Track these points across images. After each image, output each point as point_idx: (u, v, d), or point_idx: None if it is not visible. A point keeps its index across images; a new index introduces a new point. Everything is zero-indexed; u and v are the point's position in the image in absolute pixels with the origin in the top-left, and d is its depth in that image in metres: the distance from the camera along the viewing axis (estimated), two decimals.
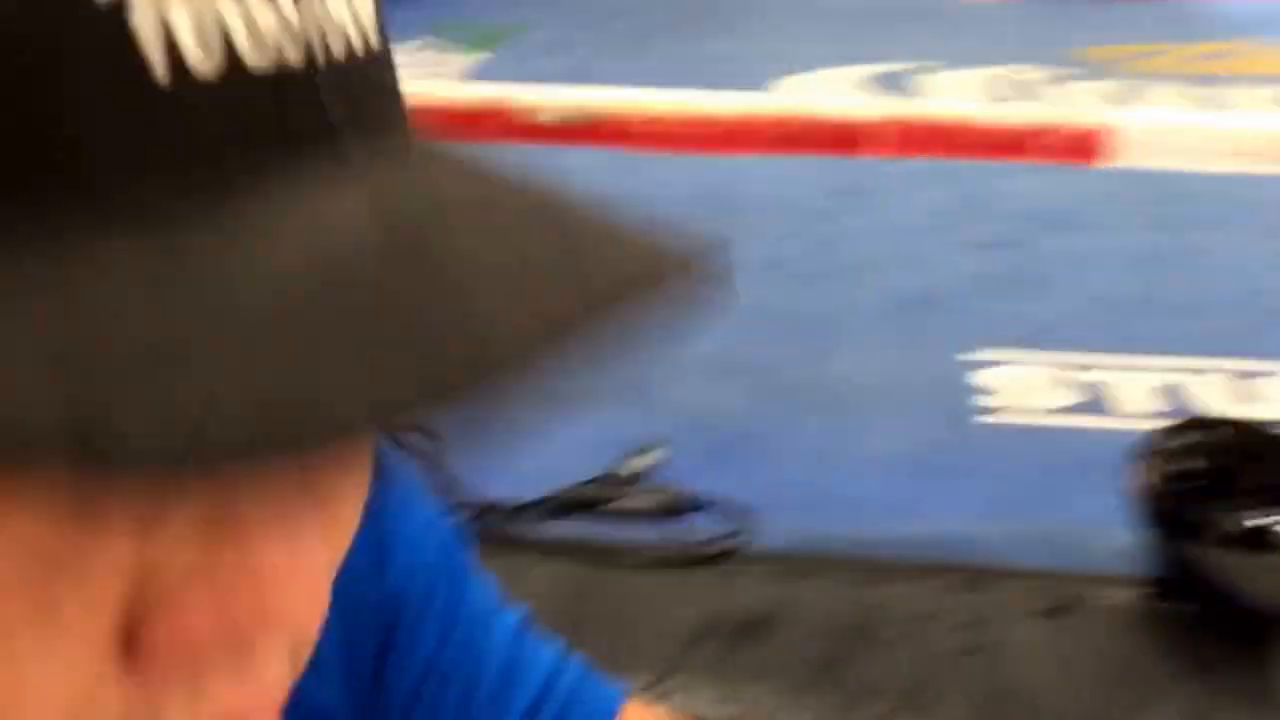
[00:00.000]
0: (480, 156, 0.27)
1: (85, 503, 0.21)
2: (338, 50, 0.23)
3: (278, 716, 0.26)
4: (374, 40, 0.25)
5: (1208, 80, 4.95)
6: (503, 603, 0.51)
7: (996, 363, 2.91)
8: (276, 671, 0.25)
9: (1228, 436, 1.14)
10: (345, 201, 0.22)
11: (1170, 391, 2.78)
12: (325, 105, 0.23)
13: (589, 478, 1.35)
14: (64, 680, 0.22)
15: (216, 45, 0.21)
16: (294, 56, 0.22)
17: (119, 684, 0.23)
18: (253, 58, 0.21)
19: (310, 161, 0.22)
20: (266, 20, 0.21)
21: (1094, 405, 2.75)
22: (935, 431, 2.63)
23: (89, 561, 0.22)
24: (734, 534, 1.23)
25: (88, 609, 0.22)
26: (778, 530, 1.25)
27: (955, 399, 2.77)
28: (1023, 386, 2.82)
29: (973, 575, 1.16)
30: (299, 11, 0.22)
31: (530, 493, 1.32)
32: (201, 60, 0.20)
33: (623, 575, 1.17)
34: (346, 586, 0.42)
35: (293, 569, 0.24)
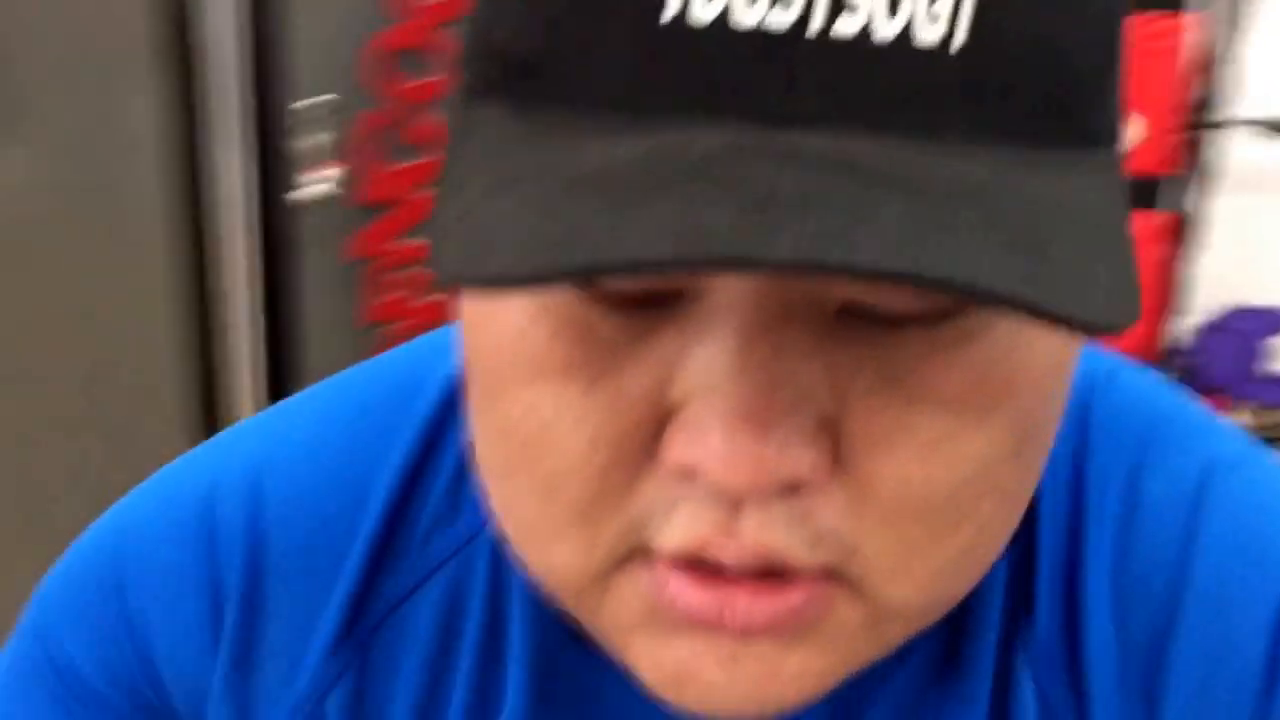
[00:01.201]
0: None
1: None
2: (844, 29, 0.26)
3: (745, 569, 0.30)
4: (928, 32, 0.26)
5: None
6: None
7: None
8: (765, 529, 0.30)
9: None
10: (714, 137, 0.26)
11: None
12: (792, 71, 0.26)
13: None
14: (591, 436, 0.30)
15: (719, 3, 0.26)
16: (778, 23, 0.26)
17: (630, 467, 0.31)
18: (740, 15, 0.26)
19: (739, 105, 0.26)
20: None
21: None
22: None
23: (632, 360, 0.30)
24: None
25: (621, 394, 0.30)
26: None
27: None
28: None
29: None
30: None
31: None
32: (702, 8, 0.26)
33: None
34: (1128, 565, 0.40)
35: (788, 450, 0.28)
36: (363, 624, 0.42)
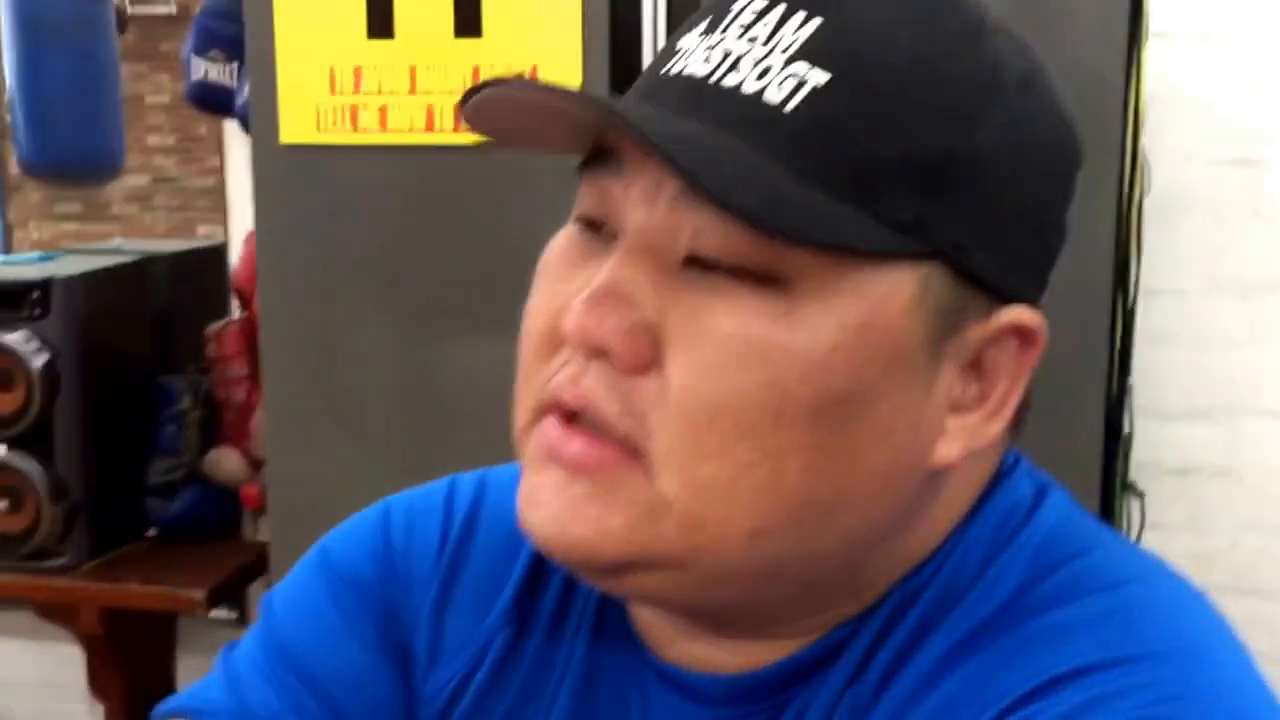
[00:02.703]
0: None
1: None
2: (729, 82, 0.47)
3: (581, 409, 0.47)
4: (773, 95, 0.46)
5: None
6: None
7: None
8: (592, 387, 0.47)
9: None
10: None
11: None
12: (700, 96, 0.47)
13: None
14: (544, 315, 0.50)
15: (680, 66, 0.49)
16: (699, 73, 0.48)
17: (555, 342, 0.50)
18: (689, 69, 0.48)
19: (646, 109, 0.48)
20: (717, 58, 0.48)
21: None
22: None
23: (583, 269, 0.49)
24: None
25: (568, 289, 0.49)
26: None
27: None
28: None
29: None
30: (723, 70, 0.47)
31: None
32: (674, 66, 0.49)
33: None
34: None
35: (606, 316, 0.46)
36: (530, 600, 0.61)
